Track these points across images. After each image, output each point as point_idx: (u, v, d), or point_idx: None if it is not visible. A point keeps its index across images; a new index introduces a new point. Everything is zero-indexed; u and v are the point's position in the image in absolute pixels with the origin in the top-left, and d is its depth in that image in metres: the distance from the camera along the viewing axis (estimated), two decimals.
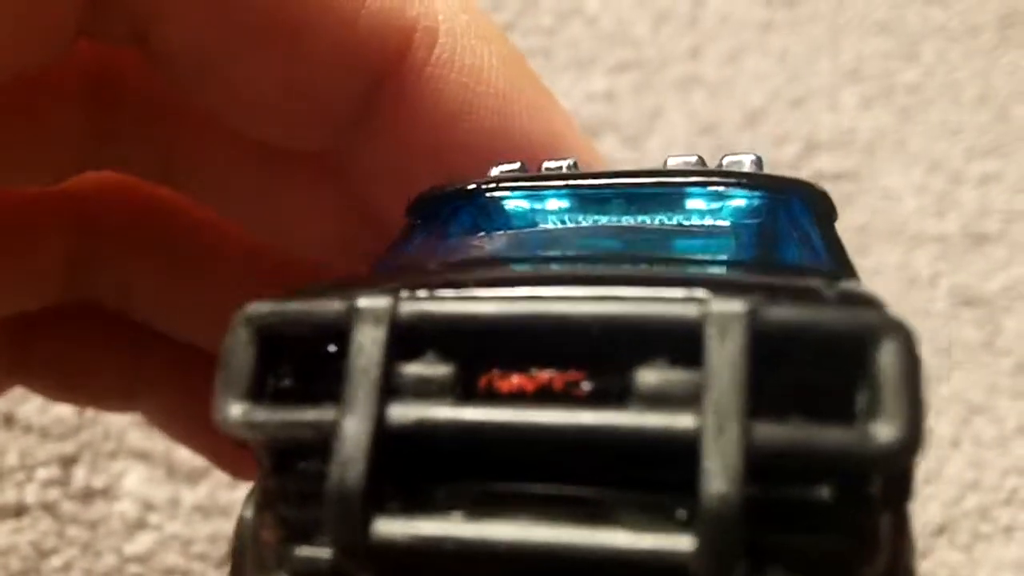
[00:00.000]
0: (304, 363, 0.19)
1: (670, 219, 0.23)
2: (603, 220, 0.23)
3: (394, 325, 0.17)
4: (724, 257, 0.22)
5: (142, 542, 0.43)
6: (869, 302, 0.17)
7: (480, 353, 0.18)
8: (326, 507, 0.17)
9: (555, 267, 0.21)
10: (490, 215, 0.24)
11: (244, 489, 0.44)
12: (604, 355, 0.17)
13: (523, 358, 0.17)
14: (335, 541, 0.17)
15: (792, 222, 0.22)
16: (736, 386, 0.16)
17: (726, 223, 0.23)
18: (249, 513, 0.21)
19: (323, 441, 0.17)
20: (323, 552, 0.18)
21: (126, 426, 0.44)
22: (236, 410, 0.18)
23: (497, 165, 0.25)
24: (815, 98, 0.57)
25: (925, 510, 0.47)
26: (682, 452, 0.16)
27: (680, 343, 0.17)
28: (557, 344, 0.17)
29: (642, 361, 0.17)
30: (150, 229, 0.34)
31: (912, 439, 0.16)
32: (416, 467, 0.17)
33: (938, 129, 0.57)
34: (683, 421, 0.16)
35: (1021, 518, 0.47)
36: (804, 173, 0.24)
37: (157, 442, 0.44)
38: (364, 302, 0.18)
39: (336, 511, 0.17)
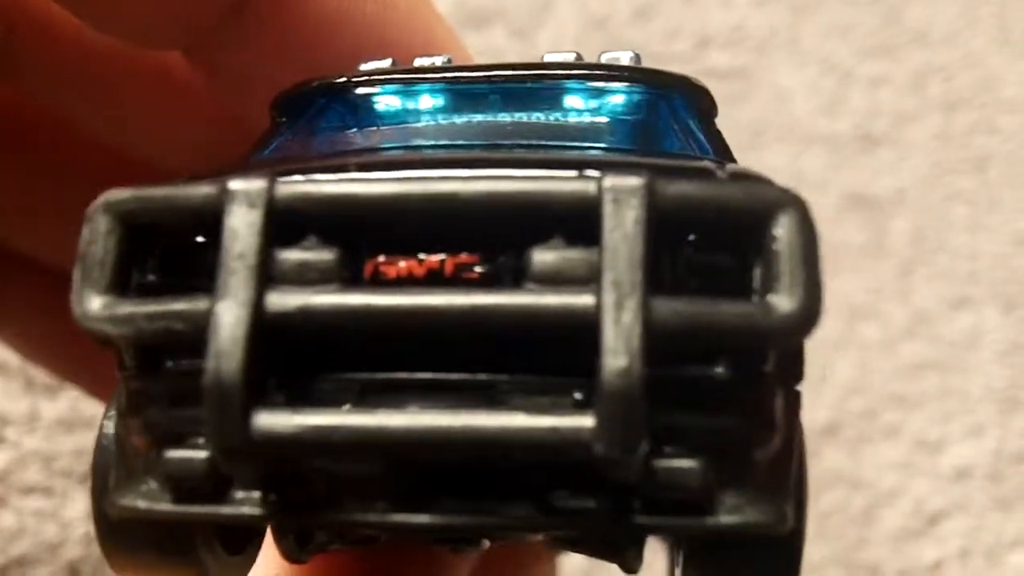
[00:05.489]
0: (173, 258, 0.18)
1: (548, 116, 0.22)
2: (479, 118, 0.22)
3: (271, 208, 0.16)
4: (606, 146, 0.21)
5: None
6: (761, 179, 0.17)
7: (363, 239, 0.17)
8: (204, 402, 0.16)
9: (440, 152, 0.20)
10: (360, 111, 0.22)
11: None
12: (496, 237, 0.17)
13: (410, 243, 0.17)
14: (214, 438, 0.16)
15: (673, 116, 0.22)
16: (634, 261, 0.16)
17: (606, 118, 0.22)
18: (110, 426, 0.20)
19: (195, 333, 0.16)
20: (197, 453, 0.17)
21: None
22: (96, 303, 0.17)
23: (366, 61, 0.23)
24: None
25: (810, 412, 0.47)
26: (578, 333, 0.16)
27: (575, 223, 0.16)
28: (446, 228, 0.17)
29: (536, 242, 0.16)
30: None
31: (811, 311, 0.16)
32: (300, 359, 0.16)
33: (830, 28, 0.56)
34: (582, 299, 0.16)
35: (904, 420, 0.47)
36: (695, 70, 0.24)
37: (13, 354, 0.41)
38: (236, 184, 0.16)
39: (214, 406, 0.16)
